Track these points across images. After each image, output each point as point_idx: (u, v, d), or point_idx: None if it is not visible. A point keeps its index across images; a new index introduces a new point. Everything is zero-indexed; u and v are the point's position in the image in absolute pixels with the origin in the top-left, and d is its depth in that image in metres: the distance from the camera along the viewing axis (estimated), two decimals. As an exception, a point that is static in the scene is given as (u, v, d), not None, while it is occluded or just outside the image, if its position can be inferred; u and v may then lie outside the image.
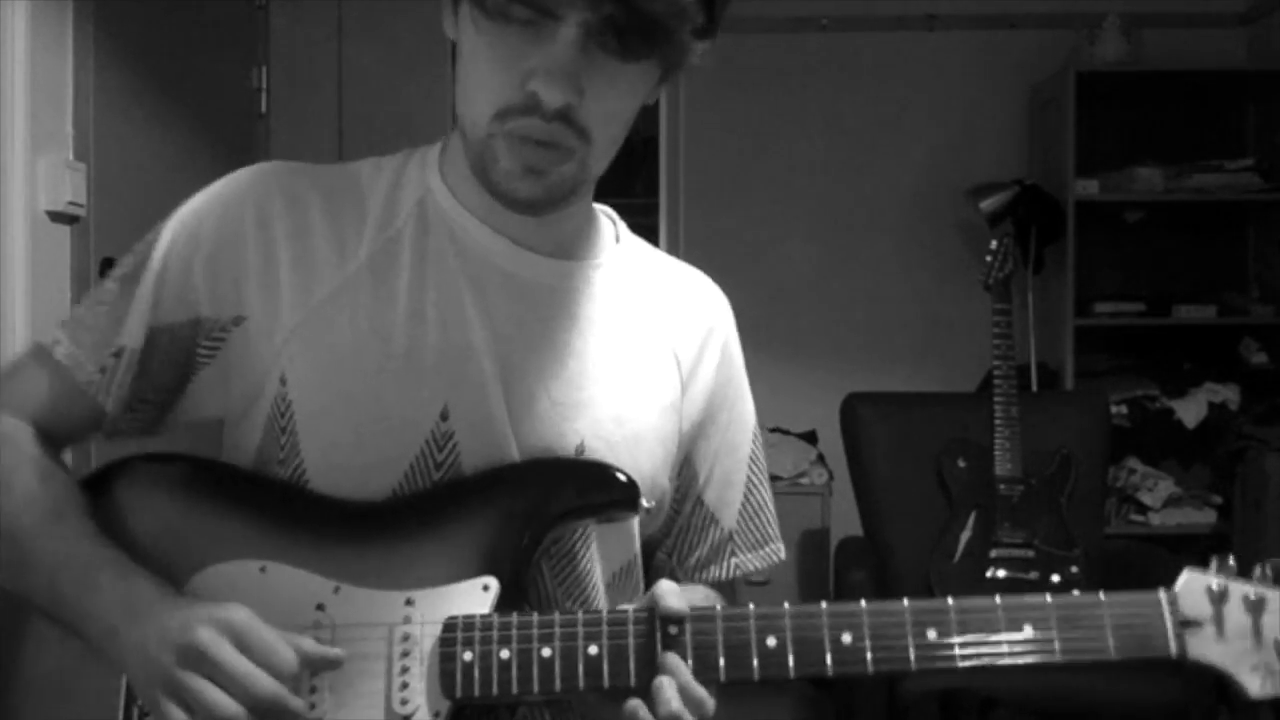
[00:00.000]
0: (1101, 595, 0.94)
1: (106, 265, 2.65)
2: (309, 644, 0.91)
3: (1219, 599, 0.94)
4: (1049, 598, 0.94)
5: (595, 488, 1.01)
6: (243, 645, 0.88)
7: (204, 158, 3.10)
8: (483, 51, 0.94)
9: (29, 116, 2.40)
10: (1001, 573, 2.90)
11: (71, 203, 2.52)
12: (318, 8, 3.89)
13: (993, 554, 2.93)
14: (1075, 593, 0.95)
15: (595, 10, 0.89)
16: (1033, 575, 2.89)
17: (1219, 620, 0.94)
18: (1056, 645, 0.93)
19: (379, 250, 1.02)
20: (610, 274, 1.09)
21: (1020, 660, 0.93)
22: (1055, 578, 2.89)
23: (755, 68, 3.96)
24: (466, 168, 1.02)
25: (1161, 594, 0.94)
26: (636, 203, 4.03)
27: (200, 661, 0.87)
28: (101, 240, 2.65)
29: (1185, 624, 0.94)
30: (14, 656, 1.00)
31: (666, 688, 0.90)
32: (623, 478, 1.00)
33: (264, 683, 0.87)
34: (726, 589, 1.18)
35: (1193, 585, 0.95)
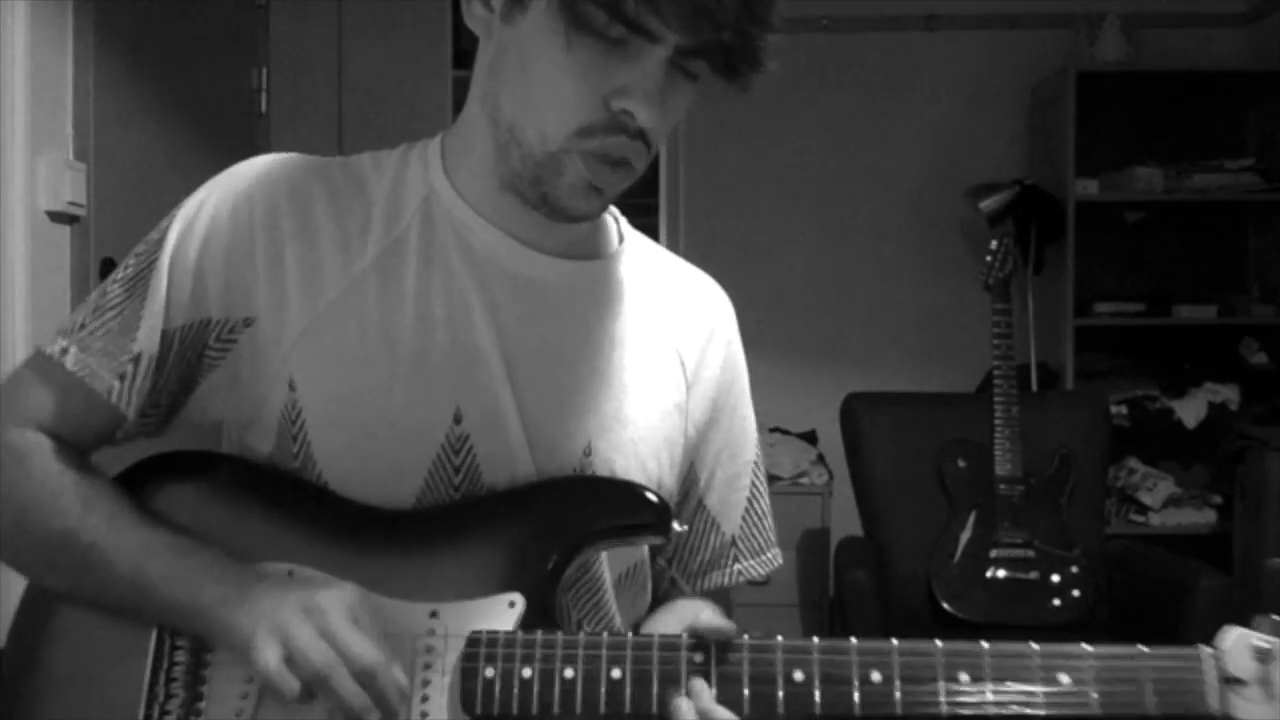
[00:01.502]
0: (1143, 648, 0.92)
1: (106, 265, 2.64)
2: (402, 678, 0.90)
3: (1265, 658, 0.90)
4: (1088, 648, 0.92)
5: (628, 511, 0.99)
6: (357, 622, 0.89)
7: (204, 158, 3.09)
8: (568, 66, 0.90)
9: (29, 116, 2.40)
10: (1001, 573, 2.90)
11: (71, 203, 2.52)
12: (318, 8, 3.89)
13: (993, 554, 2.93)
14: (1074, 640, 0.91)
15: (692, 36, 0.89)
16: (1033, 575, 2.89)
17: (1265, 680, 0.90)
18: (1094, 698, 0.90)
19: (385, 252, 1.00)
20: (615, 274, 1.07)
21: (1054, 712, 0.90)
22: (1055, 578, 2.89)
23: (755, 68, 3.96)
24: (476, 167, 1.01)
25: (1206, 650, 0.91)
26: (637, 202, 4.02)
27: (318, 616, 0.88)
28: (101, 240, 2.65)
29: (1229, 682, 0.90)
30: (38, 650, 1.00)
31: (685, 709, 0.89)
32: (655, 499, 0.98)
33: (372, 652, 0.87)
34: (721, 597, 1.16)
35: (1240, 643, 0.91)
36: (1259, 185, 3.72)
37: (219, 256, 0.99)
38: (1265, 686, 0.90)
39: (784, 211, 4.09)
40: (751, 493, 1.15)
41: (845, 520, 3.40)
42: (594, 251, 1.07)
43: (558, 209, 0.96)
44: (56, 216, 2.51)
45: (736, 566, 1.14)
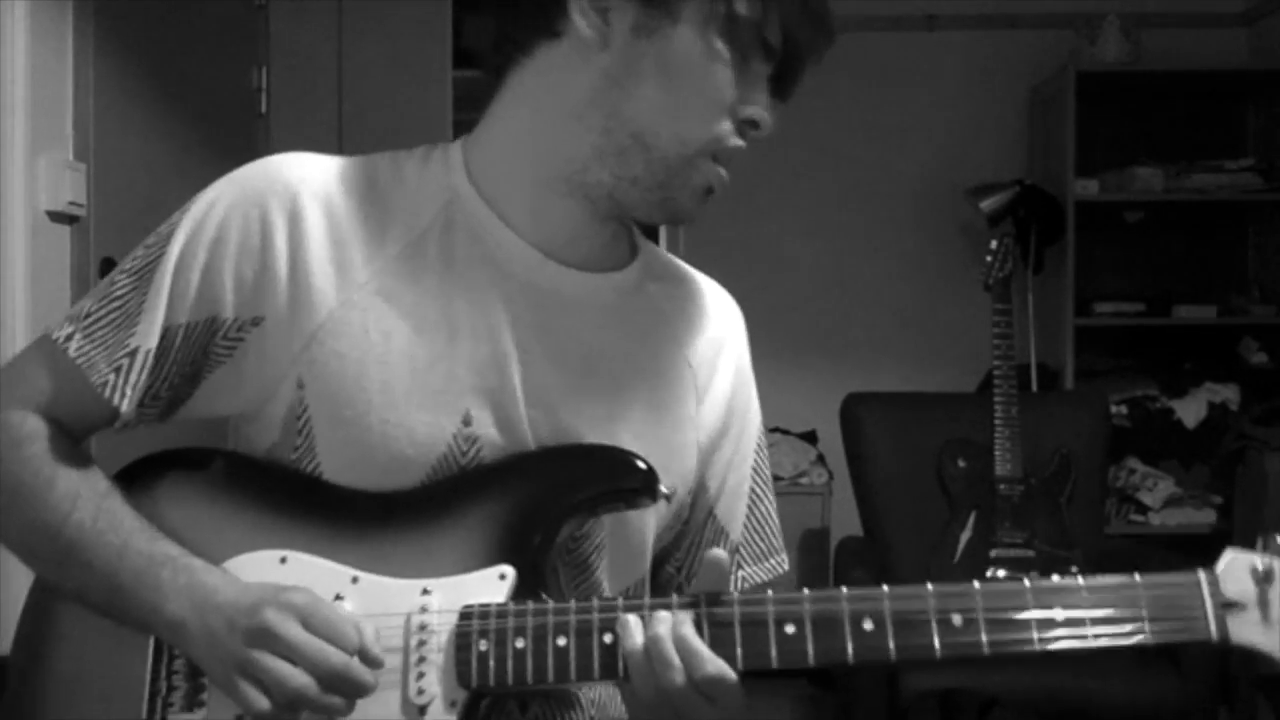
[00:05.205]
0: (1137, 576, 0.90)
1: (106, 265, 2.64)
2: (369, 630, 0.92)
3: (1264, 579, 0.87)
4: (1081, 579, 0.91)
5: (613, 474, 0.99)
6: (308, 625, 0.90)
7: (204, 158, 3.09)
8: (719, 80, 0.99)
9: (29, 116, 2.40)
10: (1001, 573, 2.90)
11: (71, 203, 2.52)
12: (318, 8, 3.88)
13: (992, 554, 2.93)
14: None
15: (800, 56, 1.05)
16: (1032, 575, 2.89)
17: (1264, 602, 0.87)
18: (1089, 630, 0.89)
19: (403, 254, 1.01)
20: (630, 287, 1.09)
21: (1051, 646, 0.89)
22: (1055, 578, 2.88)
23: (755, 68, 3.96)
24: (522, 173, 1.02)
25: (1201, 574, 0.89)
26: (636, 203, 4.02)
27: (270, 640, 0.89)
28: (101, 240, 2.65)
29: (1227, 606, 0.88)
30: (41, 653, 1.01)
31: (664, 634, 0.89)
32: (641, 464, 0.99)
33: (332, 654, 0.89)
34: None
35: (1236, 565, 0.88)
36: (1259, 185, 3.72)
37: (230, 256, 0.99)
38: (1264, 609, 0.87)
39: (784, 211, 4.09)
40: (752, 498, 1.16)
41: (845, 520, 3.40)
42: (611, 264, 1.08)
43: (673, 212, 1.03)
44: (56, 216, 2.51)
45: (740, 573, 1.14)
